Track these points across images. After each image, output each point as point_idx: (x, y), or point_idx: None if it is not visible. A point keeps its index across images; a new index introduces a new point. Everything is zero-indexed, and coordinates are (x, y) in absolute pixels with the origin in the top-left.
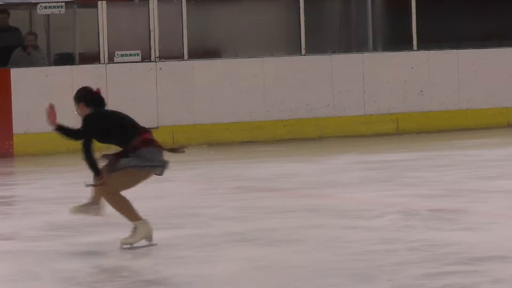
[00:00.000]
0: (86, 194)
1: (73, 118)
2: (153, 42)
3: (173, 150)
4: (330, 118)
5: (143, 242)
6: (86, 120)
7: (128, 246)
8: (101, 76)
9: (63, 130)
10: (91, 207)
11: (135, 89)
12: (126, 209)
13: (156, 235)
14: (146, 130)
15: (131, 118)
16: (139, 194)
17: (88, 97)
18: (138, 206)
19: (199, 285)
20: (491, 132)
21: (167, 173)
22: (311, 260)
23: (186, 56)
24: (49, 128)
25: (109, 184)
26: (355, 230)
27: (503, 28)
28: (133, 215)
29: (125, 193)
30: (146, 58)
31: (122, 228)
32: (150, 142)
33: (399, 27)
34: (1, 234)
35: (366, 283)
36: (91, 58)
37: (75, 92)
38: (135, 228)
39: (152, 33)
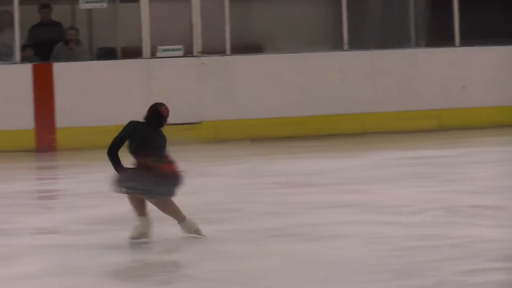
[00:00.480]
0: None
1: (114, 114)
2: (195, 37)
3: None
4: (371, 114)
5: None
6: None
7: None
8: (143, 71)
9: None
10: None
11: (177, 84)
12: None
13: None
14: None
15: None
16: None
17: None
18: (176, 200)
19: (239, 280)
20: None
21: (210, 168)
22: (352, 255)
23: (228, 51)
24: (91, 123)
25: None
26: (395, 226)
27: None
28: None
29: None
30: (188, 53)
31: (166, 222)
32: None
33: (441, 23)
34: (44, 228)
35: (407, 279)
36: (133, 52)
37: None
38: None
39: (194, 27)
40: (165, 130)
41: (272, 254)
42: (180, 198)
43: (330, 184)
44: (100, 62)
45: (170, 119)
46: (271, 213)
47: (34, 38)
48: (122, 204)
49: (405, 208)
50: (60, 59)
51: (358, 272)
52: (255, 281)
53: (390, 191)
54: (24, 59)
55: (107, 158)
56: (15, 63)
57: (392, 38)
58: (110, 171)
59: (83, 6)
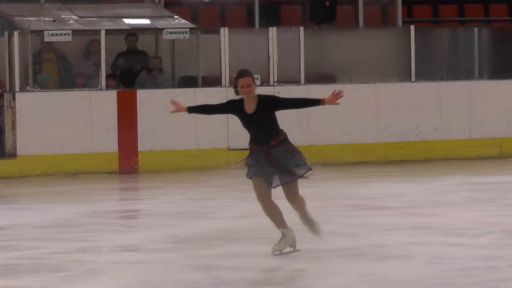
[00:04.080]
0: (206, 209)
1: (194, 138)
2: (271, 67)
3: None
4: (438, 142)
5: (289, 249)
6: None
7: (278, 252)
8: (222, 99)
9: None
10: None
11: None
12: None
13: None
14: None
15: None
16: (252, 211)
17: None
18: (251, 222)
19: None
20: None
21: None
22: (419, 275)
23: (302, 81)
24: (172, 147)
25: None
26: (460, 247)
27: None
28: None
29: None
30: (265, 82)
31: (241, 242)
32: None
33: (504, 57)
34: (125, 246)
35: None
36: (213, 81)
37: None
38: (283, 235)
39: (271, 58)
40: (238, 155)
41: (341, 273)
42: (257, 219)
43: (399, 207)
44: (182, 89)
45: (245, 146)
46: (342, 234)
47: (118, 66)
48: (199, 224)
49: (470, 230)
50: (143, 86)
51: None
52: None
53: (455, 214)
54: (108, 87)
55: (186, 180)
56: (101, 89)
57: (457, 70)
58: (189, 193)
59: (166, 36)
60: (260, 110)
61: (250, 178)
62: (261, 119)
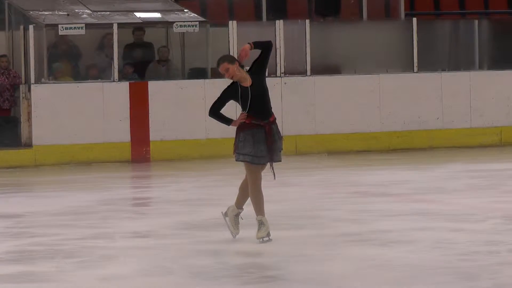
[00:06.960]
0: (216, 196)
1: (203, 128)
2: (278, 59)
3: None
4: (439, 130)
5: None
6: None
7: (261, 240)
8: None
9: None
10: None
11: None
12: (258, 202)
13: (280, 235)
14: None
15: None
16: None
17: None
18: (266, 209)
19: (318, 281)
20: None
21: (291, 178)
22: (421, 259)
23: (308, 72)
24: (183, 136)
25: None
26: (460, 232)
27: None
28: (262, 209)
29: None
30: (272, 73)
31: (249, 228)
32: None
33: (503, 48)
34: (137, 232)
35: (471, 281)
36: None
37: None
38: (261, 222)
39: (278, 50)
40: None
41: (345, 257)
42: (265, 206)
43: (402, 194)
44: (192, 81)
45: None
46: (347, 220)
47: (127, 57)
48: (209, 211)
49: (470, 216)
50: (155, 77)
51: (423, 274)
52: (332, 282)
53: (457, 200)
54: (121, 78)
55: (197, 168)
56: (114, 81)
57: (458, 61)
58: (199, 180)
59: (176, 30)
60: (254, 78)
61: (243, 161)
62: (258, 88)
